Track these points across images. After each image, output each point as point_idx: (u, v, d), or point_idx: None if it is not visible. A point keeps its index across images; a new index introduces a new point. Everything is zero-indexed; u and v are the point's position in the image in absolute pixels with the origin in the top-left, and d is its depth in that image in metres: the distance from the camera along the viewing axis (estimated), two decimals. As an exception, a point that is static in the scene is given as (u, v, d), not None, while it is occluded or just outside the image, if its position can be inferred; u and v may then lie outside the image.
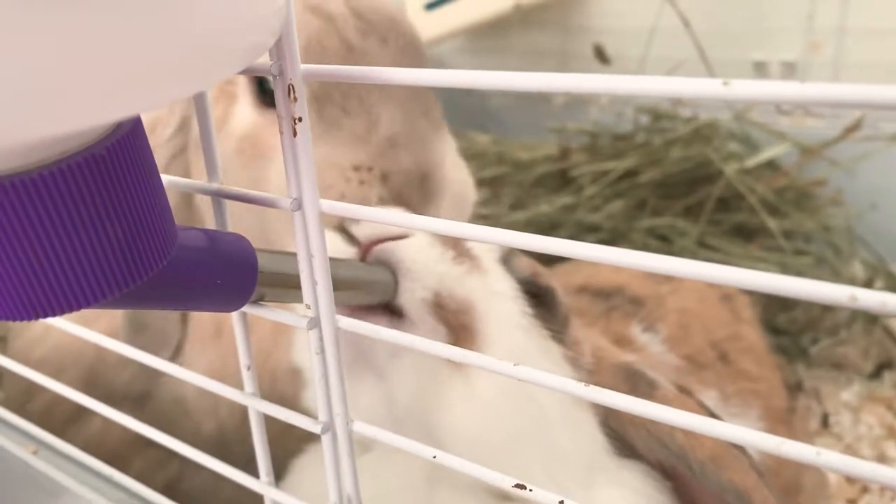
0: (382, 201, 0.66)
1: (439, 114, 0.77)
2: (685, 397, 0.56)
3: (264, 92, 0.69)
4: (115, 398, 0.77)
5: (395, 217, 0.38)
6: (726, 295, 0.93)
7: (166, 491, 0.78)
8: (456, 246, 0.55)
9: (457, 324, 0.52)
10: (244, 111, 0.69)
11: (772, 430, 0.80)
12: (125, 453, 0.75)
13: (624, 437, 0.55)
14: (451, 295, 0.52)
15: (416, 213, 0.59)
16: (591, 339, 0.62)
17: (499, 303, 0.54)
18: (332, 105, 0.66)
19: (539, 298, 0.58)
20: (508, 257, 0.59)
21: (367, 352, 0.52)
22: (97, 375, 0.79)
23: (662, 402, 0.52)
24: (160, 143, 0.72)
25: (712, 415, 0.55)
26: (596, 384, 0.48)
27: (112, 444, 0.76)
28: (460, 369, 0.51)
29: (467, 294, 0.53)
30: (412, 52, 0.73)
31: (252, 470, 0.50)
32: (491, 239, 0.35)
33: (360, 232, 0.53)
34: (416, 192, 0.66)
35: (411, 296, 0.51)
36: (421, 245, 0.53)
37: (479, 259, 0.57)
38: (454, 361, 0.51)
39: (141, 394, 0.78)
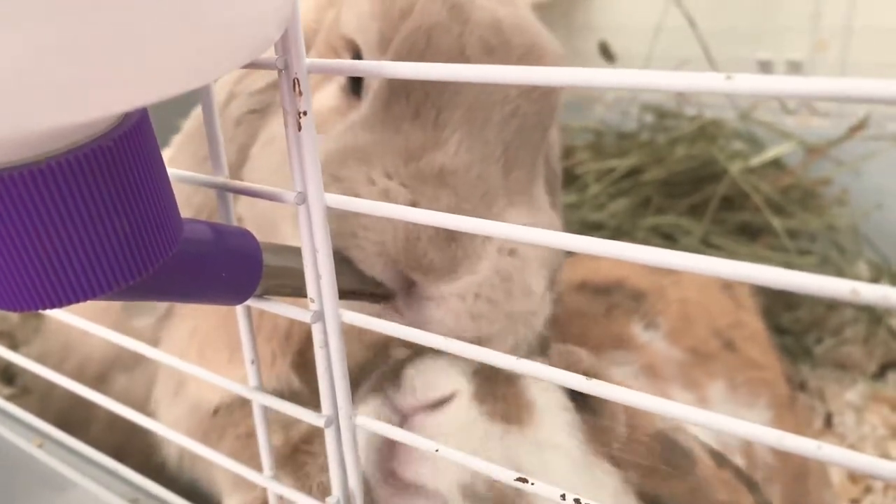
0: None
1: (534, 183, 0.60)
2: (723, 471, 0.55)
3: (355, 81, 0.58)
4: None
5: (403, 213, 0.38)
6: (727, 283, 0.93)
7: None
8: (501, 395, 0.52)
9: None
10: (330, 92, 0.60)
11: (779, 418, 0.80)
12: None
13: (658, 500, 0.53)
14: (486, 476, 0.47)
15: (430, 278, 0.50)
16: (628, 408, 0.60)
17: (548, 459, 0.51)
18: (404, 103, 0.53)
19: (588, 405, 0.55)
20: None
21: None
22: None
23: (703, 477, 0.52)
24: (242, 91, 0.65)
25: (750, 483, 0.55)
26: (630, 454, 0.48)
27: None
28: None
29: (504, 458, 0.49)
30: (541, 99, 0.58)
31: None
32: (505, 234, 0.35)
33: (403, 401, 0.51)
34: (436, 250, 0.50)
35: (444, 476, 0.48)
36: (462, 418, 0.50)
37: (525, 401, 0.52)
38: None
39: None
